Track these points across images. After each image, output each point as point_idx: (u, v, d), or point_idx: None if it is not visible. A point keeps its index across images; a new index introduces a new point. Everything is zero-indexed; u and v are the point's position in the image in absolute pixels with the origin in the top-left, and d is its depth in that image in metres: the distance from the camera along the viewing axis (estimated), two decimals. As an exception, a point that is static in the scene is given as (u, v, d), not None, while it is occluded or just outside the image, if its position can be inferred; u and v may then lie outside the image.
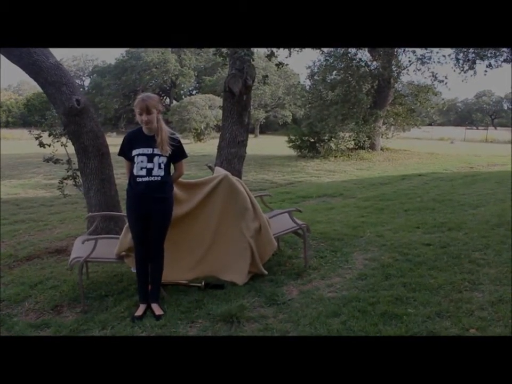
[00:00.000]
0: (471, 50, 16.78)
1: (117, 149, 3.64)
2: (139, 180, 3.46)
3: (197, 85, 46.55)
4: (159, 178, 3.47)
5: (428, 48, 18.23)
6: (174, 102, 43.14)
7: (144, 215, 3.53)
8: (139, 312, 3.54)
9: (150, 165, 3.44)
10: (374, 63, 18.98)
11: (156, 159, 3.44)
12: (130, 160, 3.52)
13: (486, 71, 17.42)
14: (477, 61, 17.12)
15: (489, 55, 16.39)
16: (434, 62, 18.73)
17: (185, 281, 4.06)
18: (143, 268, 3.65)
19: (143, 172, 3.44)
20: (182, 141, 3.70)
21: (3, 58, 4.73)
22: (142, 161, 3.44)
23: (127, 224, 3.81)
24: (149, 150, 3.44)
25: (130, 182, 3.56)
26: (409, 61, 18.88)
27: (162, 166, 3.47)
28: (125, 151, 3.55)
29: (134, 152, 3.46)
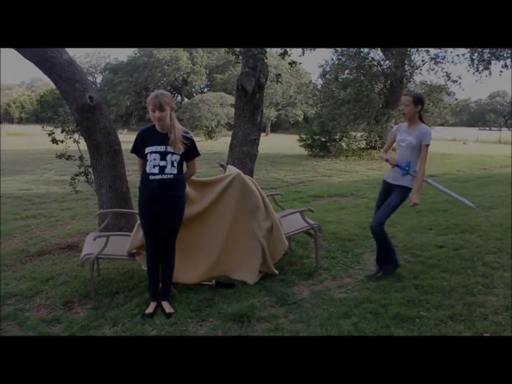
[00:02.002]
0: (486, 50, 16.57)
1: (129, 146, 3.63)
2: (152, 177, 3.44)
3: (208, 82, 46.56)
4: (172, 176, 3.46)
5: (442, 48, 18.06)
6: (185, 99, 43.20)
7: (156, 213, 3.52)
8: (149, 310, 3.54)
9: (162, 163, 3.42)
10: (387, 62, 18.81)
11: (168, 156, 3.43)
12: (143, 157, 3.50)
13: (501, 71, 17.09)
14: (492, 61, 16.90)
15: (505, 55, 16.17)
16: (448, 61, 18.49)
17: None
18: (153, 266, 3.65)
19: (156, 170, 3.43)
20: (193, 138, 3.69)
21: (17, 54, 4.75)
22: (154, 159, 3.42)
23: (139, 221, 3.81)
24: (162, 148, 3.42)
25: (142, 180, 3.54)
26: (423, 61, 18.67)
27: (175, 164, 3.46)
28: (138, 148, 3.54)
29: (147, 149, 3.44)
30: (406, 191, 4.06)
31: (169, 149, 3.43)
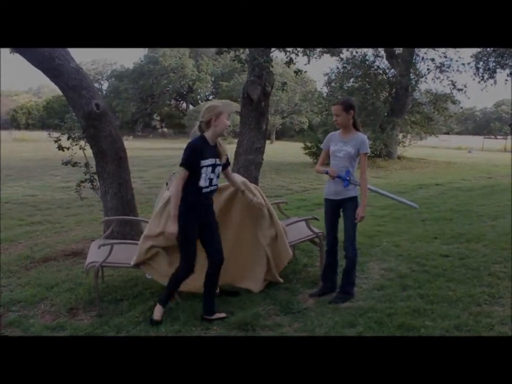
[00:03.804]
0: (492, 59, 16.60)
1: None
2: (204, 190, 3.46)
3: (214, 90, 46.73)
4: (216, 187, 3.56)
5: (447, 57, 18.10)
6: (191, 106, 43.38)
7: (201, 222, 3.55)
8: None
9: (212, 175, 3.48)
10: (392, 70, 18.88)
11: (217, 169, 3.51)
12: (195, 171, 3.41)
13: (506, 80, 17.11)
14: (497, 70, 16.91)
15: (510, 63, 16.17)
16: (453, 70, 18.56)
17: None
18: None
19: (208, 183, 3.46)
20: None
21: (24, 61, 4.79)
22: (208, 172, 3.44)
23: (145, 233, 3.81)
24: (212, 161, 3.46)
25: (192, 193, 3.42)
26: (428, 69, 18.74)
27: (219, 175, 3.56)
28: (194, 162, 3.39)
29: (203, 162, 3.40)
30: (355, 201, 3.87)
31: (217, 161, 3.49)
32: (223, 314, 3.59)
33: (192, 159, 3.38)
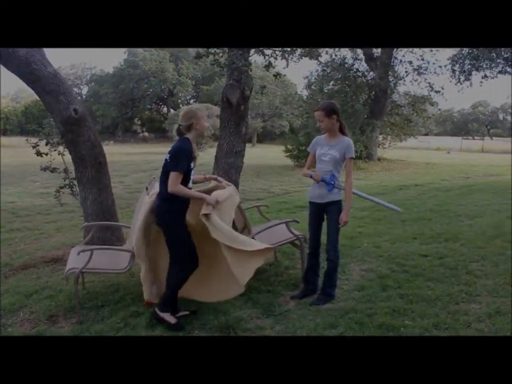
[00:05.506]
0: (467, 61, 16.91)
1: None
2: None
3: (195, 93, 46.63)
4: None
5: (425, 59, 18.40)
6: (172, 110, 43.18)
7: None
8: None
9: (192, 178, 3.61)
10: (371, 73, 19.11)
11: (193, 171, 3.58)
12: (186, 175, 3.51)
13: (481, 82, 17.45)
14: (473, 72, 17.24)
15: (484, 66, 16.51)
16: (430, 72, 18.87)
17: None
18: None
19: (191, 185, 3.60)
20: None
21: (0, 66, 4.73)
22: (192, 175, 3.57)
23: (145, 267, 3.68)
24: (192, 164, 3.54)
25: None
26: (406, 72, 19.02)
27: None
28: (187, 166, 3.49)
29: (192, 165, 3.53)
30: (339, 205, 3.91)
31: (193, 164, 3.53)
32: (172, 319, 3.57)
33: (187, 163, 3.39)
